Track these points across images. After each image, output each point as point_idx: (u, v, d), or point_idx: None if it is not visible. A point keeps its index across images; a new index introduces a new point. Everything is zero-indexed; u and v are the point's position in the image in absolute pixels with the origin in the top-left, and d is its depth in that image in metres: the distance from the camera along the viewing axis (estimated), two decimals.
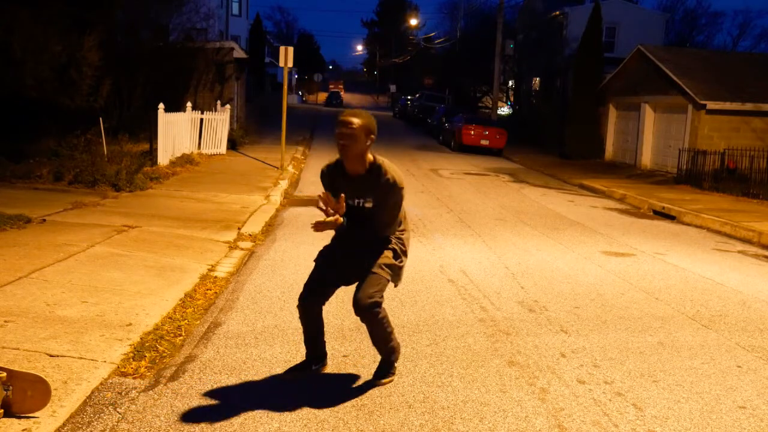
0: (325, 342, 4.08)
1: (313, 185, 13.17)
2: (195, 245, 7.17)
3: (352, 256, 3.80)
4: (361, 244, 3.79)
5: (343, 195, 3.58)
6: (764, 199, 14.30)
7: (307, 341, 4.02)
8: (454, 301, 5.88)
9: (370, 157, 3.68)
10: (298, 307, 3.88)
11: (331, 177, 3.77)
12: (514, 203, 12.96)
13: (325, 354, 4.10)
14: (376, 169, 3.66)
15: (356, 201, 3.69)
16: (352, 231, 3.76)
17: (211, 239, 7.57)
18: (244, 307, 5.35)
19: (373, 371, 4.09)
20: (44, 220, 7.61)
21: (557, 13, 34.51)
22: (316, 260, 3.95)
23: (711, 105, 18.38)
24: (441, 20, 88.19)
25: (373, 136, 3.63)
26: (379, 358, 4.13)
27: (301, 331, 4.20)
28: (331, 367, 4.17)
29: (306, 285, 3.89)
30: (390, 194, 3.66)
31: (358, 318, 3.75)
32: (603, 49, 24.80)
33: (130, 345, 4.20)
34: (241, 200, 10.55)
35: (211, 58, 20.69)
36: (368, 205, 3.65)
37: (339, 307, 5.41)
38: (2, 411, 3.15)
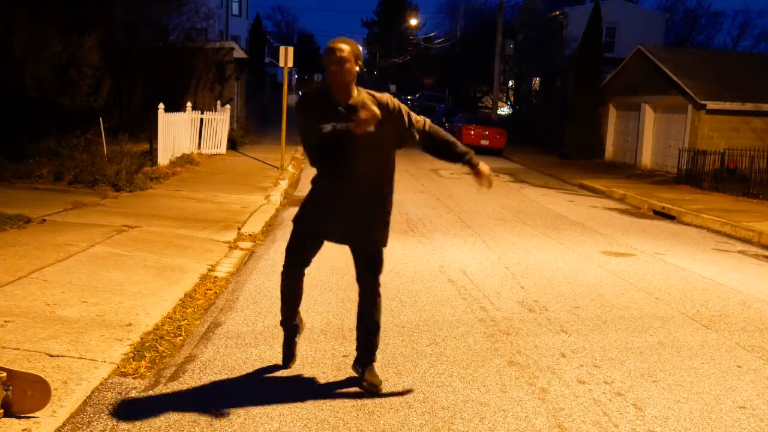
0: (299, 313, 4.11)
1: None
2: (195, 245, 7.17)
3: (346, 207, 3.71)
4: (358, 187, 3.68)
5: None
6: (764, 199, 14.30)
7: (291, 312, 4.02)
8: (454, 301, 5.88)
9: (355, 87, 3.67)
10: (286, 276, 3.90)
11: (315, 106, 3.66)
12: (514, 203, 12.96)
13: (301, 324, 4.15)
14: (368, 95, 3.67)
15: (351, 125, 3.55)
16: (343, 170, 3.65)
17: (211, 239, 7.57)
18: (244, 307, 5.35)
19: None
20: (44, 220, 7.61)
21: (557, 13, 34.51)
22: (297, 224, 3.86)
23: (711, 105, 18.39)
24: (441, 20, 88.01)
25: (360, 62, 3.64)
26: (379, 356, 4.13)
27: (300, 330, 4.22)
28: (331, 367, 4.17)
29: (290, 252, 3.87)
30: (399, 112, 3.70)
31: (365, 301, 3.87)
32: (603, 49, 24.81)
33: (130, 345, 4.20)
34: (241, 200, 10.55)
35: (211, 58, 20.70)
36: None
37: (339, 306, 5.41)
38: (2, 411, 3.15)
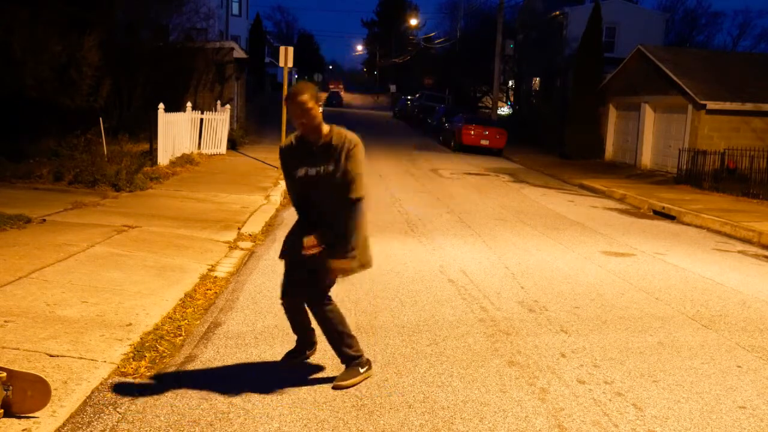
0: (314, 330, 4.18)
1: None
2: (195, 245, 7.17)
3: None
4: (324, 223, 3.77)
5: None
6: (764, 199, 14.30)
7: (298, 331, 4.17)
8: (454, 301, 5.88)
9: (324, 125, 3.79)
10: (283, 305, 4.05)
11: (292, 152, 3.82)
12: (514, 203, 12.96)
13: (315, 341, 4.26)
14: (337, 135, 3.76)
15: (320, 169, 3.72)
16: (316, 208, 3.81)
17: (211, 239, 7.57)
18: (244, 307, 5.35)
19: (373, 371, 4.10)
20: (44, 220, 7.61)
21: (557, 13, 34.50)
22: (284, 256, 3.97)
23: (711, 105, 18.38)
24: (441, 20, 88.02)
25: (319, 102, 3.75)
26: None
27: (313, 351, 4.31)
28: (331, 367, 4.18)
29: (284, 283, 3.99)
30: (353, 151, 3.73)
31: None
32: (603, 49, 24.79)
33: (130, 345, 4.20)
34: (241, 200, 10.55)
35: (211, 58, 20.69)
36: (330, 169, 3.70)
37: (339, 306, 5.40)
38: (2, 411, 3.15)
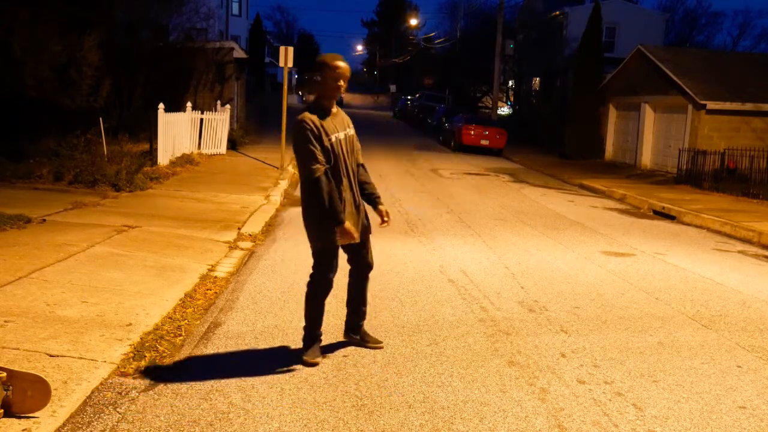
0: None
1: None
2: (195, 245, 7.17)
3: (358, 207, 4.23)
4: (352, 185, 4.18)
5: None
6: (764, 199, 14.30)
7: (319, 324, 4.32)
8: (454, 301, 5.88)
9: None
10: (325, 294, 4.26)
11: (321, 121, 4.03)
12: (514, 203, 12.96)
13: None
14: (341, 112, 4.23)
15: (347, 132, 4.16)
16: (345, 175, 4.11)
17: (211, 239, 7.57)
18: (244, 307, 5.35)
19: (373, 371, 4.11)
20: (44, 220, 7.61)
21: (557, 13, 34.50)
22: (326, 241, 4.14)
23: (711, 105, 18.38)
24: (441, 20, 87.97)
25: None
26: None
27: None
28: (331, 367, 4.18)
29: (330, 273, 4.21)
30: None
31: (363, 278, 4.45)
32: (603, 49, 24.79)
33: (130, 345, 4.20)
34: (241, 200, 10.55)
35: (211, 58, 20.70)
36: (351, 133, 4.20)
37: (339, 306, 5.41)
38: (2, 411, 3.15)
